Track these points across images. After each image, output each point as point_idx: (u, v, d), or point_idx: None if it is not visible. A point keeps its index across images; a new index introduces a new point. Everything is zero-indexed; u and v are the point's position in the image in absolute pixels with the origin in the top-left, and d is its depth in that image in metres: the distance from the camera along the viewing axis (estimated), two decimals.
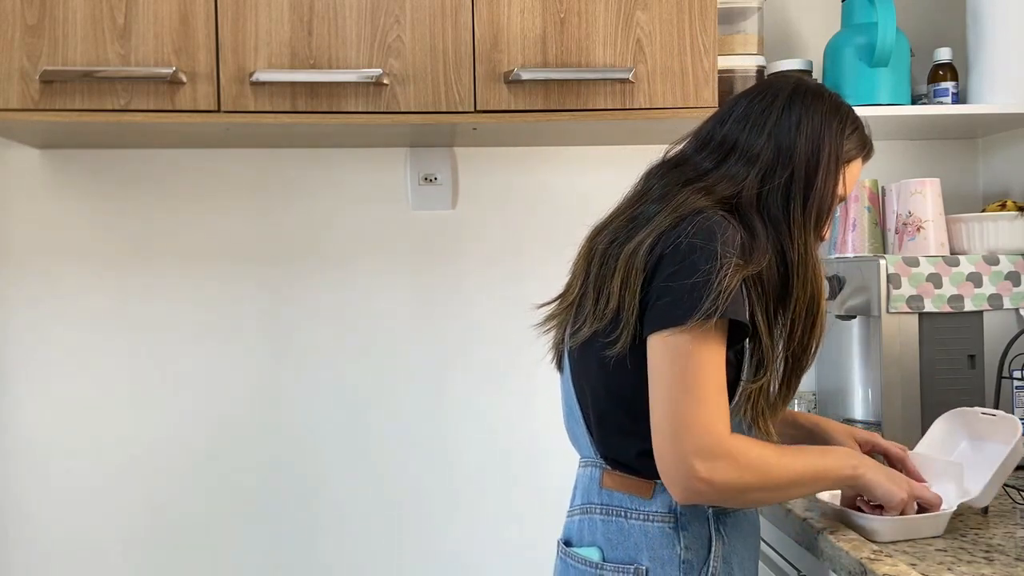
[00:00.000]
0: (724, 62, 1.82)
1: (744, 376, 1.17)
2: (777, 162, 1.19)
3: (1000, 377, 1.45)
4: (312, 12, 1.59)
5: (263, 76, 1.55)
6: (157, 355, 1.92)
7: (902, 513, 1.24)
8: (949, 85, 1.88)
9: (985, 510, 1.39)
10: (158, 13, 1.56)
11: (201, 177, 1.94)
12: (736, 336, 1.14)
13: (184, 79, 1.56)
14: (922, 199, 1.80)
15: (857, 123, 1.25)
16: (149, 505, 1.92)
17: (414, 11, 1.60)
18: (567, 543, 1.25)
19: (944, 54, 1.90)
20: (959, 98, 1.89)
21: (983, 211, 1.82)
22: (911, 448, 1.42)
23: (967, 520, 1.36)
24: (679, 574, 1.15)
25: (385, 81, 1.59)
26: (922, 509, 1.26)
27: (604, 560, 1.18)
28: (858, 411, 1.78)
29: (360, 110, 1.59)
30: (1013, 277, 1.69)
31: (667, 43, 1.64)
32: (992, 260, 1.70)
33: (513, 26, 1.62)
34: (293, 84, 1.58)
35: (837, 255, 1.90)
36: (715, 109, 1.65)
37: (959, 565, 1.16)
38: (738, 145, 1.21)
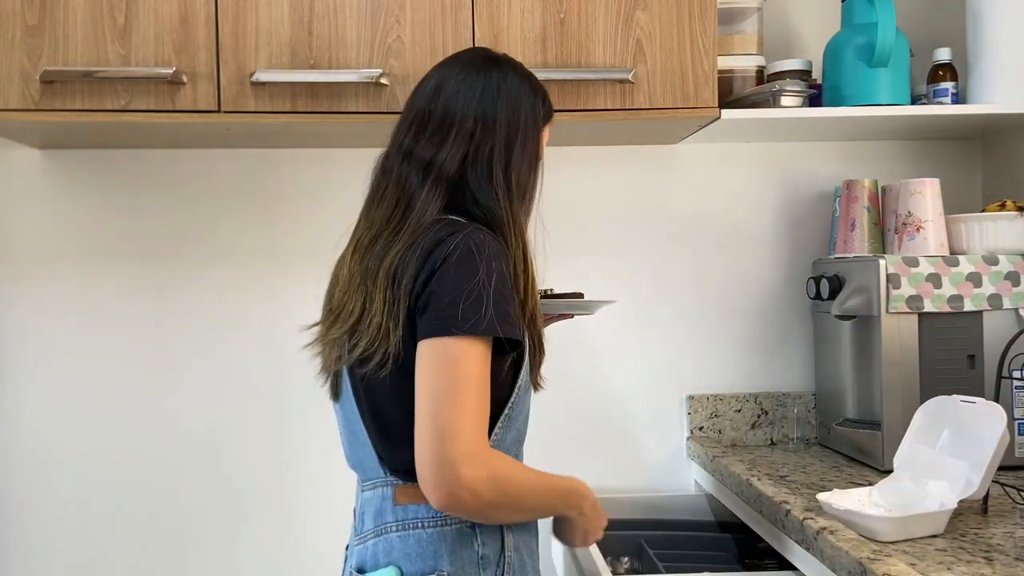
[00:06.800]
0: (724, 62, 1.83)
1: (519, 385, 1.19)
2: (484, 133, 1.21)
3: (1000, 377, 1.45)
4: (312, 12, 1.59)
5: (263, 76, 1.55)
6: (157, 354, 1.93)
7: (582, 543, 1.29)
8: (949, 85, 1.88)
9: (985, 510, 1.40)
10: (158, 13, 1.56)
11: (201, 177, 1.94)
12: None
13: (184, 79, 1.56)
14: (922, 199, 1.80)
15: (543, 89, 1.29)
16: (149, 503, 1.92)
17: (414, 11, 1.60)
18: (360, 570, 1.21)
19: (944, 54, 1.90)
20: (959, 98, 1.89)
21: (983, 211, 1.82)
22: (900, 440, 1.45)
23: (967, 520, 1.36)
24: (478, 571, 1.17)
25: (385, 81, 1.59)
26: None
27: None
28: (857, 411, 1.78)
29: (360, 110, 1.60)
30: (1013, 277, 1.69)
31: (667, 43, 1.64)
32: (992, 260, 1.70)
33: (513, 26, 1.62)
34: (293, 84, 1.58)
35: (837, 255, 1.90)
36: (715, 110, 1.66)
37: (959, 565, 1.16)
38: (454, 122, 1.22)
